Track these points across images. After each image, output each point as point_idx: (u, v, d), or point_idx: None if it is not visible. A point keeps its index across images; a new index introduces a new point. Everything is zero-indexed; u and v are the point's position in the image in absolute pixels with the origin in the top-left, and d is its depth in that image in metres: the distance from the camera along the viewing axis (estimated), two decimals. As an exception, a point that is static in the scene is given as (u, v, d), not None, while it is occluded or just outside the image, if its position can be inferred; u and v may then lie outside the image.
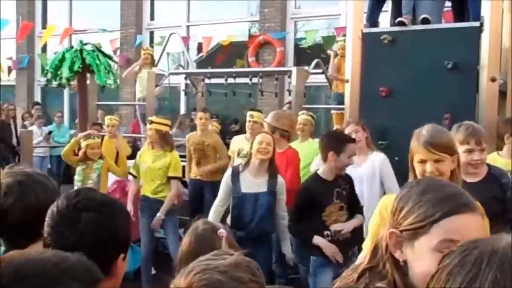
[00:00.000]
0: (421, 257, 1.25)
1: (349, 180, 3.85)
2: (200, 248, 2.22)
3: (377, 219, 2.67)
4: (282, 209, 4.23)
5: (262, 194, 4.12)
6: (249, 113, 5.97)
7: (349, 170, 3.95)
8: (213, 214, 4.23)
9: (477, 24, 4.58)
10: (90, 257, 1.27)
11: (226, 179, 4.25)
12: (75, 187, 5.37)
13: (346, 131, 4.37)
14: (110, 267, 1.46)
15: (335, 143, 3.74)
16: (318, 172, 3.85)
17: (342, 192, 3.78)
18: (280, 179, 4.24)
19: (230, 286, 1.19)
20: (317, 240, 3.73)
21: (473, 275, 0.88)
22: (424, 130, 2.41)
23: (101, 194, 1.60)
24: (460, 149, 2.94)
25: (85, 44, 8.71)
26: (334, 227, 3.72)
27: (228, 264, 1.23)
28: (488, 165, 3.12)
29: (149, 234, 5.39)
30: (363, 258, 2.74)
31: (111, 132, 7.16)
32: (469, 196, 1.29)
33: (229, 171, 4.29)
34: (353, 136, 4.19)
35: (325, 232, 3.77)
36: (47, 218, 1.49)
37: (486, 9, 4.52)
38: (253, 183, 4.13)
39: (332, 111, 6.86)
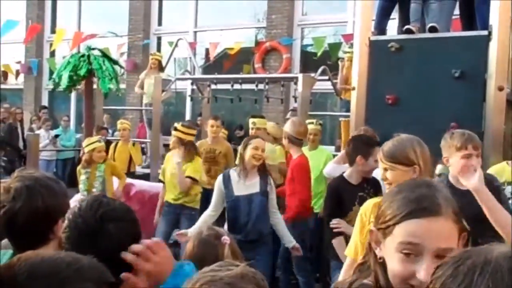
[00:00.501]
0: (389, 256, 1.28)
1: (375, 184, 3.78)
2: (203, 253, 2.23)
3: (358, 224, 2.75)
4: (273, 206, 4.28)
5: (255, 195, 4.16)
6: (251, 120, 5.99)
7: None
8: (202, 218, 4.27)
9: (485, 33, 4.56)
10: (112, 264, 1.32)
11: (218, 185, 4.27)
12: (81, 196, 5.39)
13: None
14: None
15: (363, 147, 3.73)
16: (344, 175, 3.84)
17: (366, 197, 3.75)
18: (270, 179, 4.29)
19: None
20: (336, 241, 3.71)
21: (466, 285, 0.88)
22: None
23: (118, 202, 1.63)
24: (457, 155, 3.01)
25: (93, 49, 8.76)
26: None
27: (234, 275, 1.23)
28: None
29: (164, 239, 5.41)
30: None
31: (124, 136, 7.19)
32: (440, 200, 1.26)
33: (220, 177, 4.30)
34: None
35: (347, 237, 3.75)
36: (67, 229, 1.50)
37: (494, 18, 4.50)
38: (245, 185, 4.18)
39: (340, 119, 6.85)
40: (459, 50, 4.70)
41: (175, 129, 5.39)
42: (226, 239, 2.30)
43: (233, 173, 4.25)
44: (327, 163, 5.12)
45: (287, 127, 4.96)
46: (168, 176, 5.43)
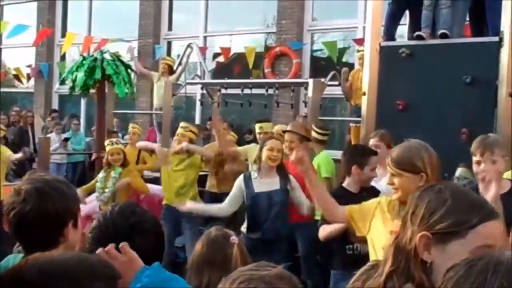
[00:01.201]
0: (453, 260, 1.25)
1: (375, 192, 3.74)
2: (212, 253, 2.25)
3: (381, 220, 2.76)
4: (300, 202, 4.22)
5: (275, 192, 4.19)
6: (257, 125, 6.00)
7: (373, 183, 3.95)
8: (217, 208, 4.35)
9: (496, 39, 4.55)
10: None
11: (238, 183, 4.32)
12: (96, 194, 5.43)
13: (370, 143, 4.39)
14: None
15: (358, 156, 3.75)
16: (344, 184, 3.85)
17: None
18: (291, 177, 4.28)
19: None
20: (327, 228, 3.65)
21: (479, 284, 0.89)
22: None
23: (150, 214, 1.66)
24: (473, 160, 3.07)
25: (105, 52, 8.80)
26: None
27: (273, 275, 1.25)
28: None
29: (169, 243, 5.45)
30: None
31: (132, 139, 7.23)
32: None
33: (241, 177, 4.36)
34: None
35: (347, 246, 3.74)
36: (96, 229, 1.52)
37: (505, 24, 4.49)
38: (265, 183, 4.21)
39: (351, 124, 6.83)
40: (470, 56, 4.70)
41: (188, 130, 5.45)
42: (234, 239, 2.32)
43: (254, 173, 4.32)
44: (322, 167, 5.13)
45: (306, 132, 4.99)
46: (166, 176, 5.45)
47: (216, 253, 2.25)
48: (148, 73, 9.39)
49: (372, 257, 2.73)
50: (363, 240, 3.45)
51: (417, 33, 5.05)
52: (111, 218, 1.53)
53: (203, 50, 11.06)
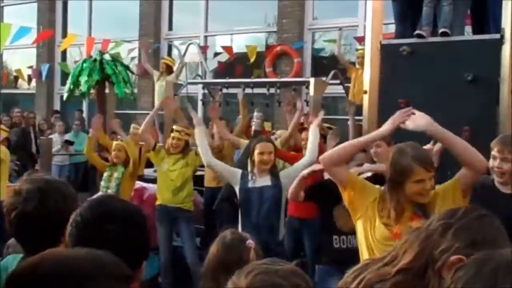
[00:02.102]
0: None
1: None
2: (228, 257, 2.22)
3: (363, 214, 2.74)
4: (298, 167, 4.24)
5: (267, 187, 4.20)
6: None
7: None
8: (205, 150, 4.43)
9: (497, 36, 4.54)
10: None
11: (237, 171, 4.38)
12: (100, 192, 5.45)
13: None
14: (135, 272, 1.48)
15: None
16: None
17: None
18: (283, 174, 4.33)
19: None
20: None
21: (490, 286, 0.88)
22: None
23: (123, 203, 1.63)
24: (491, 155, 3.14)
25: (104, 53, 8.81)
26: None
27: (287, 269, 1.28)
28: None
29: (168, 243, 5.44)
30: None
31: (132, 140, 7.21)
32: None
33: (240, 170, 4.39)
34: (374, 149, 4.21)
35: (334, 237, 3.77)
36: (69, 227, 1.52)
37: (507, 21, 4.48)
38: (257, 180, 4.24)
39: (349, 123, 6.81)
40: (471, 54, 4.69)
41: (184, 133, 5.47)
42: (251, 243, 2.29)
43: (247, 173, 4.34)
44: None
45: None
46: (162, 176, 5.46)
47: (232, 258, 2.21)
48: (151, 71, 9.39)
49: (362, 247, 2.69)
50: (352, 232, 3.48)
51: (417, 31, 5.04)
52: (79, 211, 1.53)
53: (204, 48, 11.06)
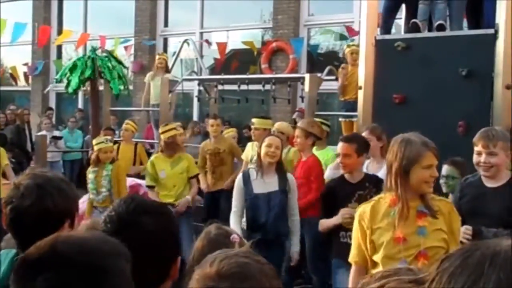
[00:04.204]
0: None
1: (376, 182, 3.78)
2: (212, 252, 2.22)
3: (358, 230, 2.68)
4: (292, 207, 4.30)
5: (275, 193, 4.19)
6: (252, 120, 6.00)
7: None
8: (233, 220, 4.26)
9: (491, 31, 4.55)
10: (156, 259, 1.41)
11: (238, 184, 4.31)
12: (90, 195, 5.42)
13: None
14: (171, 268, 1.51)
15: None
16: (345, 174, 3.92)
17: (366, 196, 3.76)
18: (290, 177, 4.32)
19: (256, 267, 1.25)
20: (325, 222, 3.86)
21: (476, 276, 0.87)
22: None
23: (153, 200, 1.66)
24: (475, 150, 3.11)
25: (97, 48, 8.80)
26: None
27: (244, 250, 1.33)
28: None
29: None
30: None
31: (124, 137, 7.20)
32: None
33: (240, 176, 4.36)
34: None
35: (341, 233, 3.82)
36: (102, 225, 1.51)
37: (501, 17, 4.49)
38: (264, 183, 4.21)
39: (341, 119, 6.82)
40: (466, 49, 4.69)
41: (171, 129, 5.53)
42: (235, 237, 2.30)
43: (252, 172, 4.31)
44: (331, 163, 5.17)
45: (311, 128, 4.99)
46: (165, 177, 5.47)
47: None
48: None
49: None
50: None
51: (412, 21, 5.03)
52: (113, 208, 1.52)
53: (205, 41, 11.06)
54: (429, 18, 5.18)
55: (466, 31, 5.21)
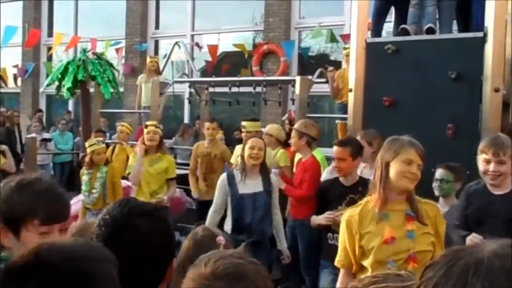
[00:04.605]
0: None
1: (365, 184, 3.82)
2: (198, 253, 2.22)
3: (346, 234, 2.67)
4: (275, 206, 4.37)
5: (260, 194, 4.22)
6: (242, 123, 6.01)
7: None
8: (210, 220, 4.29)
9: (480, 34, 4.58)
10: (152, 261, 1.41)
11: (222, 184, 4.31)
12: (82, 197, 5.41)
13: None
14: (167, 270, 1.51)
15: None
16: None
17: (358, 200, 3.78)
18: (273, 177, 4.39)
19: (250, 268, 1.26)
20: (314, 219, 4.00)
21: (460, 285, 0.87)
22: None
23: (148, 202, 1.64)
24: (480, 158, 3.07)
25: (88, 51, 8.77)
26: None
27: (238, 252, 1.34)
28: None
29: None
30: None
31: (120, 139, 7.15)
32: None
33: (224, 176, 4.36)
34: None
35: (328, 235, 3.88)
36: (96, 228, 1.50)
37: (489, 20, 4.52)
38: (248, 184, 4.23)
39: (337, 121, 6.86)
40: (455, 52, 4.72)
41: (155, 126, 5.50)
42: (221, 239, 2.31)
43: (237, 173, 4.32)
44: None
45: (304, 129, 5.01)
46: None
47: (203, 253, 2.24)
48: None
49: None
50: None
51: (402, 26, 5.07)
52: (107, 211, 1.51)
53: (196, 45, 11.07)
54: (419, 21, 5.22)
55: (455, 34, 5.24)
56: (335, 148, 3.99)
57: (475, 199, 3.17)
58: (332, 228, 3.86)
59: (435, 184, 3.93)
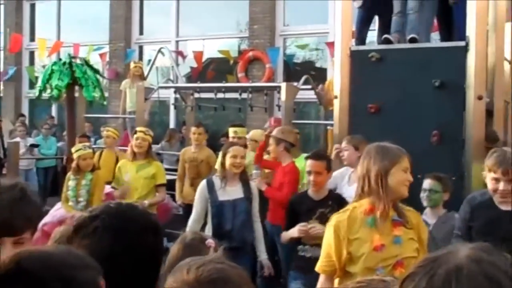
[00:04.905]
0: None
1: (339, 201, 3.86)
2: (188, 256, 2.25)
3: (332, 239, 2.61)
4: (255, 214, 4.36)
5: (240, 200, 4.21)
6: (232, 129, 6.03)
7: (344, 189, 4.05)
8: (191, 226, 4.27)
9: (462, 43, 4.66)
10: (141, 276, 1.42)
11: (201, 191, 4.29)
12: (70, 202, 5.36)
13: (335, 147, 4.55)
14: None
15: None
16: (309, 190, 4.00)
17: (327, 214, 3.82)
18: (252, 185, 4.40)
19: (233, 272, 1.27)
20: (285, 235, 3.98)
21: None
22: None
23: (142, 212, 1.61)
24: (488, 176, 3.01)
25: (73, 57, 8.71)
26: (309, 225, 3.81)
27: (217, 257, 1.35)
28: None
29: None
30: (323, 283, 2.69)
31: (108, 144, 7.09)
32: None
33: (203, 183, 4.33)
34: (341, 154, 4.34)
35: (299, 246, 3.91)
36: (83, 234, 1.47)
37: (471, 30, 4.60)
38: (228, 191, 4.22)
39: (328, 127, 6.91)
40: (438, 60, 4.79)
41: (144, 133, 5.47)
42: (210, 242, 2.33)
43: (216, 179, 4.30)
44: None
45: (282, 135, 5.04)
46: (128, 180, 5.40)
47: (192, 256, 2.26)
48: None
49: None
50: (316, 244, 3.53)
51: (384, 36, 5.14)
52: (99, 217, 1.51)
53: (178, 54, 11.04)
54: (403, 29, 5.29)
55: (438, 43, 5.34)
56: (311, 161, 3.99)
57: (481, 213, 3.13)
58: (302, 241, 3.89)
59: (423, 194, 3.93)
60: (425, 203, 3.92)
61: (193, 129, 6.35)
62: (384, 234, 2.58)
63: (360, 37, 5.51)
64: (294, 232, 3.85)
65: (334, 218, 2.68)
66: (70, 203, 5.37)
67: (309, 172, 3.96)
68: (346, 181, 4.41)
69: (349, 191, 4.02)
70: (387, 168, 2.55)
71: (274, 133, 5.19)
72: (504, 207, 3.02)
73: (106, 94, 10.61)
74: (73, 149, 5.56)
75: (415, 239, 2.63)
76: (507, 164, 2.92)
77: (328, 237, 2.66)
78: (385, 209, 2.55)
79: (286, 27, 10.65)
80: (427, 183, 3.93)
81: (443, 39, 5.49)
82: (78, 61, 8.60)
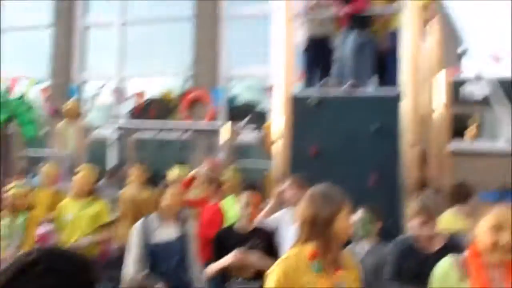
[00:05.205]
0: None
1: (267, 236, 3.89)
2: None
3: (281, 274, 2.56)
4: (193, 253, 4.17)
5: (173, 243, 4.09)
6: (173, 169, 6.02)
7: (285, 228, 4.07)
8: (132, 272, 4.12)
9: (397, 92, 4.86)
10: None
11: (137, 233, 4.12)
12: (2, 243, 5.09)
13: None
14: None
15: None
16: (235, 225, 3.99)
17: (254, 249, 3.83)
18: (189, 224, 4.24)
19: None
20: (213, 267, 3.88)
21: None
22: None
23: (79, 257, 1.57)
24: (414, 220, 3.13)
25: (9, 91, 8.51)
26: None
27: None
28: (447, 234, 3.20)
29: None
30: None
31: (44, 182, 6.81)
32: None
33: (138, 226, 4.17)
34: (286, 192, 4.37)
35: (231, 279, 3.86)
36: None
37: (403, 77, 4.82)
38: (164, 231, 4.11)
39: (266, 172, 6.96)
40: (374, 107, 4.97)
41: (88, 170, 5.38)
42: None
43: (152, 220, 4.17)
44: None
45: (211, 173, 5.06)
46: (70, 220, 5.20)
47: None
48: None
49: None
50: (249, 277, 3.57)
51: (322, 81, 5.31)
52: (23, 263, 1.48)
53: (118, 93, 10.95)
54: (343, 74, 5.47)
55: (373, 91, 5.53)
56: (249, 193, 4.02)
57: (408, 256, 3.22)
58: (234, 274, 3.83)
59: (357, 225, 4.03)
60: (359, 233, 3.99)
61: (134, 168, 6.28)
62: (330, 279, 2.60)
63: (307, 79, 5.65)
64: (227, 259, 3.78)
65: (286, 254, 2.67)
66: (3, 243, 5.11)
67: (247, 204, 3.97)
68: (288, 221, 4.41)
69: (290, 229, 4.05)
70: (334, 213, 2.58)
71: (206, 171, 5.22)
72: (428, 251, 3.12)
73: (44, 130, 10.35)
74: (8, 187, 5.34)
75: (354, 278, 2.67)
76: (431, 209, 3.10)
77: (277, 272, 2.58)
78: (332, 254, 2.58)
79: (229, 68, 10.81)
80: (360, 214, 4.02)
81: (380, 82, 5.69)
82: (13, 95, 8.40)
